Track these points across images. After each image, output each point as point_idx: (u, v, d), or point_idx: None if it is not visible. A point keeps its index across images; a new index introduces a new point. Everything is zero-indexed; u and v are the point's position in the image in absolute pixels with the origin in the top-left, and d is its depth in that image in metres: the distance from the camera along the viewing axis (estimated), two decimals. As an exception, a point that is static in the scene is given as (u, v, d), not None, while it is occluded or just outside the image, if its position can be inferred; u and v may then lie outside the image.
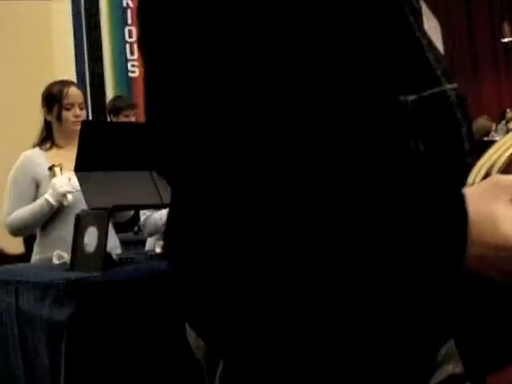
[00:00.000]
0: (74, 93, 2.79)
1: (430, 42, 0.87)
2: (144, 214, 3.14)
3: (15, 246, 4.75)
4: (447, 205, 0.71)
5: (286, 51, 0.78)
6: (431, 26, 0.92)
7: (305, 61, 0.78)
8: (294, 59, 0.78)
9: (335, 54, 0.78)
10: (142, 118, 6.03)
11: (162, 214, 3.11)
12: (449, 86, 0.85)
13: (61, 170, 2.63)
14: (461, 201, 0.71)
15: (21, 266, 2.69)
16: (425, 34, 0.86)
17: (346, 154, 0.78)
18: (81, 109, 2.79)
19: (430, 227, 0.70)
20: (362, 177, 0.75)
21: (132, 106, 4.25)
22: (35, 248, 2.78)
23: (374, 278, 0.76)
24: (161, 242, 2.47)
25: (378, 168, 0.78)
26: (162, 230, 3.14)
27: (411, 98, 0.80)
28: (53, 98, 2.76)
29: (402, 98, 0.79)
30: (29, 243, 3.34)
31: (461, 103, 0.86)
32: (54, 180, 2.61)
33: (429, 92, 0.82)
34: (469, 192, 0.72)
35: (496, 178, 0.72)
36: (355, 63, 0.79)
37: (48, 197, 2.60)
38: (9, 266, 2.70)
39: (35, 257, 2.76)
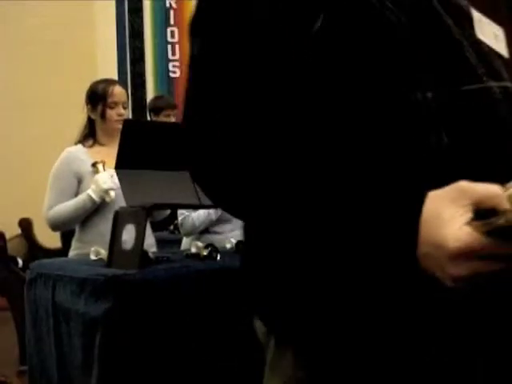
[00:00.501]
0: (118, 91, 2.82)
1: (477, 44, 0.89)
2: (182, 214, 3.15)
3: (53, 240, 4.81)
4: (404, 204, 0.76)
5: (295, 50, 0.83)
6: (489, 32, 0.93)
7: (318, 59, 0.83)
8: (303, 57, 0.83)
9: (347, 52, 0.83)
10: (181, 119, 6.07)
11: (199, 215, 3.12)
12: (494, 84, 0.86)
13: (103, 166, 2.65)
14: (419, 201, 0.75)
15: (58, 260, 2.72)
16: (469, 36, 0.88)
17: (338, 146, 0.84)
18: (124, 108, 2.81)
19: (385, 224, 0.76)
20: (347, 165, 0.82)
21: (172, 106, 4.26)
22: (73, 243, 2.80)
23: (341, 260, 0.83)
24: (197, 243, 2.48)
25: (363, 161, 0.83)
26: (199, 230, 3.15)
27: (430, 94, 0.82)
28: (97, 97, 2.79)
29: (418, 95, 0.82)
30: (66, 238, 3.38)
31: (509, 101, 0.87)
32: (97, 176, 2.63)
33: (463, 88, 0.84)
34: (433, 193, 0.76)
35: (461, 183, 0.75)
36: (367, 61, 0.83)
37: (91, 193, 2.63)
38: (46, 260, 2.74)
39: (73, 252, 2.78)
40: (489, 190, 0.73)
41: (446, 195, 0.74)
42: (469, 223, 0.72)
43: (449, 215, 0.73)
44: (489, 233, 0.71)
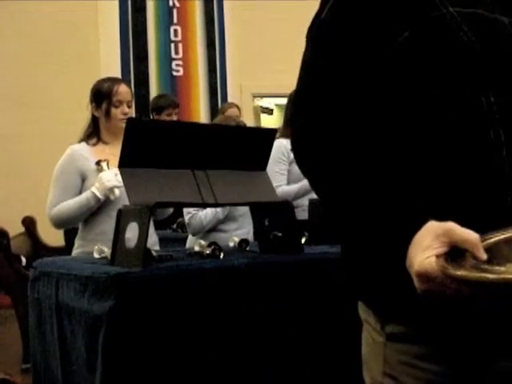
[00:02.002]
0: (123, 90, 2.81)
1: None
2: (189, 213, 3.13)
3: (56, 239, 4.82)
4: (409, 226, 0.97)
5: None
6: None
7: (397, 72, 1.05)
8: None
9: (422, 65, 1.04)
10: (184, 117, 6.07)
11: (206, 214, 3.11)
12: None
13: (108, 165, 2.65)
14: (419, 225, 0.95)
15: (62, 258, 2.71)
16: None
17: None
18: (129, 107, 2.80)
19: (395, 236, 0.98)
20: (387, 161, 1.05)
21: (174, 105, 4.27)
22: (76, 242, 2.79)
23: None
24: (200, 241, 2.48)
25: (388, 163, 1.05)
26: (206, 229, 3.14)
27: (492, 98, 1.01)
28: (102, 95, 2.78)
29: (483, 99, 1.01)
30: (69, 237, 3.39)
31: None
32: (102, 174, 2.63)
33: None
34: (430, 223, 0.94)
35: (448, 223, 0.93)
36: (440, 69, 1.03)
37: (95, 190, 2.62)
38: (50, 259, 2.74)
39: (76, 250, 2.78)
40: (466, 235, 0.91)
41: (435, 229, 0.93)
42: (437, 257, 0.90)
43: (426, 245, 0.92)
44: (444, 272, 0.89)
